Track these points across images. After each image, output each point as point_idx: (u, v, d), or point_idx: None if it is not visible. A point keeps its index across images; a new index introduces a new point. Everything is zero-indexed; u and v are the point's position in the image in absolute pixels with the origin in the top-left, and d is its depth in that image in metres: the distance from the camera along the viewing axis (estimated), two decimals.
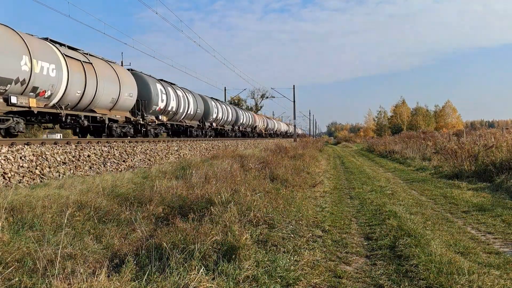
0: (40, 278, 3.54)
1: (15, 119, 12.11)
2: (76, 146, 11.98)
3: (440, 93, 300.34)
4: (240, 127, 41.06)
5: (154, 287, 3.45)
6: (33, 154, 9.92)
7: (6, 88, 11.26)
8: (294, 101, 53.75)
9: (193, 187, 7.59)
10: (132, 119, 18.64)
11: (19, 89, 11.73)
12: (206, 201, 6.24)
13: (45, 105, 13.12)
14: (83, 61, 14.91)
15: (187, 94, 26.12)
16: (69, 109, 14.50)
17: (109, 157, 12.65)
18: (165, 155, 16.35)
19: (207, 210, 5.60)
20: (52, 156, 10.41)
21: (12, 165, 9.08)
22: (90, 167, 11.35)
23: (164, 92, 21.82)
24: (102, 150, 12.70)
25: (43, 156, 10.16)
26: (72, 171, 10.46)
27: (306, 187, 10.52)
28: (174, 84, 24.87)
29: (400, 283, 4.05)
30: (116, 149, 13.48)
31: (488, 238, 5.88)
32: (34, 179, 9.12)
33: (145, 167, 12.95)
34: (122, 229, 5.39)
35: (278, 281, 3.94)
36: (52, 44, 13.66)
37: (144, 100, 19.73)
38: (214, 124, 31.83)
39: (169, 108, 22.52)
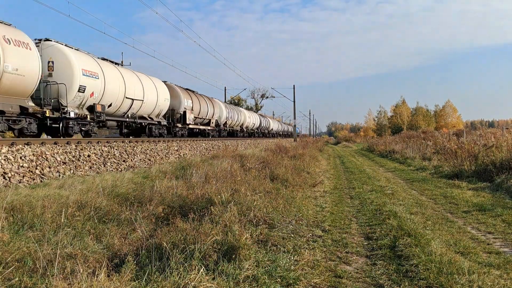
0: (40, 278, 3.54)
1: None
2: (76, 146, 11.98)
3: (440, 93, 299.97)
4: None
5: (154, 287, 3.45)
6: (33, 154, 9.92)
7: None
8: (294, 101, 53.73)
9: (193, 187, 7.59)
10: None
11: None
12: (206, 201, 6.24)
13: None
14: None
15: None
16: None
17: (109, 157, 12.66)
18: (165, 155, 16.36)
19: (207, 210, 5.60)
20: (52, 156, 10.42)
21: (12, 165, 9.08)
22: (90, 167, 11.35)
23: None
24: (102, 150, 12.71)
25: (43, 156, 10.16)
26: (72, 171, 10.46)
27: (306, 187, 10.52)
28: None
29: (400, 283, 4.05)
30: (116, 149, 13.49)
31: (488, 238, 5.88)
32: (34, 179, 9.12)
33: (145, 167, 12.95)
34: (122, 229, 5.39)
35: (278, 281, 3.94)
36: None
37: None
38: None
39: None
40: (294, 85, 53.86)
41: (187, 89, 26.92)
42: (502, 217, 7.08)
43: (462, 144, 15.10)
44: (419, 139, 26.12)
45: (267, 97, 72.31)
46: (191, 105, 25.61)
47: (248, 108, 61.97)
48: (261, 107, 73.52)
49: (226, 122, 34.84)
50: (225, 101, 45.69)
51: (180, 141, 20.68)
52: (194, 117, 26.10)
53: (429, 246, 4.97)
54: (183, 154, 17.87)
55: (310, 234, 5.81)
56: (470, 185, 11.04)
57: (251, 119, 45.57)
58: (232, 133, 38.73)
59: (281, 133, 68.36)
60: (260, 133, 51.99)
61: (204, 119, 29.01)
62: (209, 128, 30.28)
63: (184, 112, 24.33)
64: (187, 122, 24.67)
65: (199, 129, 28.63)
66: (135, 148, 14.76)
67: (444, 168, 14.73)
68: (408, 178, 13.81)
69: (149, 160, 14.68)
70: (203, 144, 22.36)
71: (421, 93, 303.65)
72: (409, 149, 23.73)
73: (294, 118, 56.27)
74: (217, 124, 32.32)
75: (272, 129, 60.33)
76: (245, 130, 42.77)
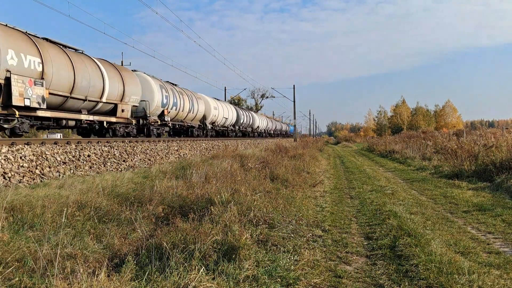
0: (40, 278, 3.53)
1: None
2: (76, 146, 11.98)
3: (440, 93, 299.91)
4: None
5: (154, 287, 3.45)
6: (33, 154, 9.92)
7: None
8: (294, 101, 53.80)
9: (193, 187, 7.59)
10: None
11: None
12: (206, 201, 6.24)
13: None
14: None
15: None
16: None
17: (109, 157, 12.66)
18: (165, 155, 16.36)
19: (207, 210, 5.60)
20: (52, 156, 10.41)
21: (12, 165, 9.08)
22: (90, 167, 11.35)
23: None
24: (102, 150, 12.71)
25: (43, 156, 10.16)
26: (72, 170, 10.46)
27: (306, 187, 10.52)
28: None
29: (400, 283, 4.05)
30: (116, 149, 13.49)
31: (488, 238, 5.88)
32: (34, 179, 9.12)
33: (145, 167, 12.95)
34: (122, 229, 5.39)
35: (278, 281, 3.94)
36: None
37: None
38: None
39: None
40: (294, 85, 54.01)
41: (34, 35, 12.55)
42: (502, 217, 7.08)
43: (462, 144, 15.10)
44: (419, 139, 26.11)
45: (267, 97, 72.35)
46: (40, 70, 11.97)
47: (249, 108, 61.42)
48: (261, 107, 73.57)
49: (163, 112, 21.13)
50: (225, 101, 44.67)
51: (180, 140, 20.70)
52: (50, 94, 12.52)
53: (429, 246, 4.97)
54: (183, 154, 17.88)
55: (310, 234, 5.81)
56: (470, 185, 11.04)
57: (219, 111, 31.04)
58: (186, 131, 25.78)
59: (272, 132, 59.20)
60: (239, 132, 38.96)
61: (98, 102, 15.40)
62: (113, 120, 16.75)
63: (8, 80, 10.80)
64: (21, 104, 11.19)
65: (77, 120, 14.55)
66: (135, 148, 14.77)
67: (444, 168, 14.72)
68: (408, 178, 13.81)
69: (149, 160, 14.69)
70: (203, 144, 22.45)
71: (421, 93, 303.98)
72: (409, 149, 23.73)
73: (294, 118, 56.37)
74: (143, 115, 19.56)
75: (258, 127, 47.09)
76: (209, 127, 29.43)
